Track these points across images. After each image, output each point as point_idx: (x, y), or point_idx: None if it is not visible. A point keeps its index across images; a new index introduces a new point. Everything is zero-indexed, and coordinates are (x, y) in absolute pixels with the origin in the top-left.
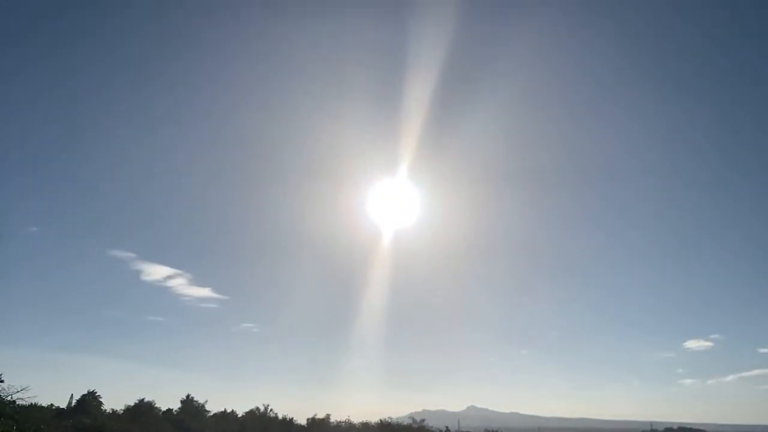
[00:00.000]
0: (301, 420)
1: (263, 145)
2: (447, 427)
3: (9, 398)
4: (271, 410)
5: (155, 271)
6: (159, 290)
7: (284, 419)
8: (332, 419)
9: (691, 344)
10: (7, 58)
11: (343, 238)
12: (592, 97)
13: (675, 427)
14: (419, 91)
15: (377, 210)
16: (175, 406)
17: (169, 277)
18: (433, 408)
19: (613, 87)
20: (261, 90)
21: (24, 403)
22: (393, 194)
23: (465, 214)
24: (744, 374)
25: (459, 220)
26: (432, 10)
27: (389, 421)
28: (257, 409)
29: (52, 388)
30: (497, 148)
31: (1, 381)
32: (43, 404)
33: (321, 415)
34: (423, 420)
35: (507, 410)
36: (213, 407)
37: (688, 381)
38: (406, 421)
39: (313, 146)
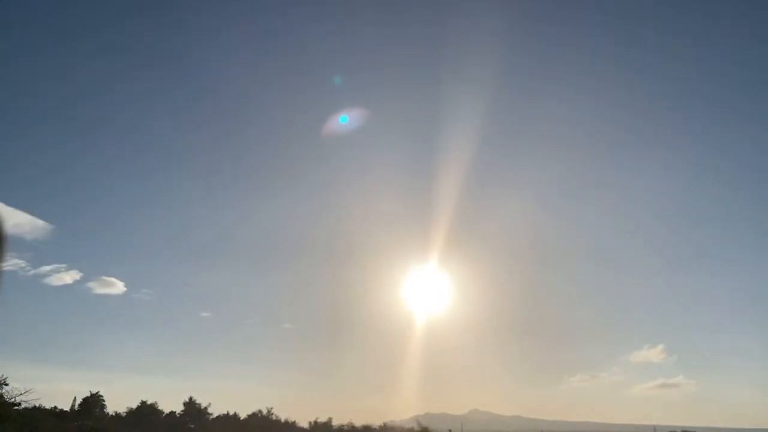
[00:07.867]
0: (303, 423)
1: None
2: (450, 430)
3: (13, 401)
4: (272, 413)
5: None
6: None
7: (286, 422)
8: (334, 423)
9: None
10: None
11: (379, 318)
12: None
13: (678, 430)
14: (449, 185)
15: (411, 294)
16: (178, 408)
17: None
18: (435, 411)
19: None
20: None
21: (28, 405)
22: (425, 281)
23: (490, 296)
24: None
25: (485, 301)
26: (462, 98)
27: (392, 423)
28: (259, 411)
29: (54, 391)
30: (521, 237)
31: (6, 384)
32: (47, 407)
33: (323, 419)
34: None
35: (510, 414)
36: (215, 410)
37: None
38: (409, 425)
39: (349, 236)
